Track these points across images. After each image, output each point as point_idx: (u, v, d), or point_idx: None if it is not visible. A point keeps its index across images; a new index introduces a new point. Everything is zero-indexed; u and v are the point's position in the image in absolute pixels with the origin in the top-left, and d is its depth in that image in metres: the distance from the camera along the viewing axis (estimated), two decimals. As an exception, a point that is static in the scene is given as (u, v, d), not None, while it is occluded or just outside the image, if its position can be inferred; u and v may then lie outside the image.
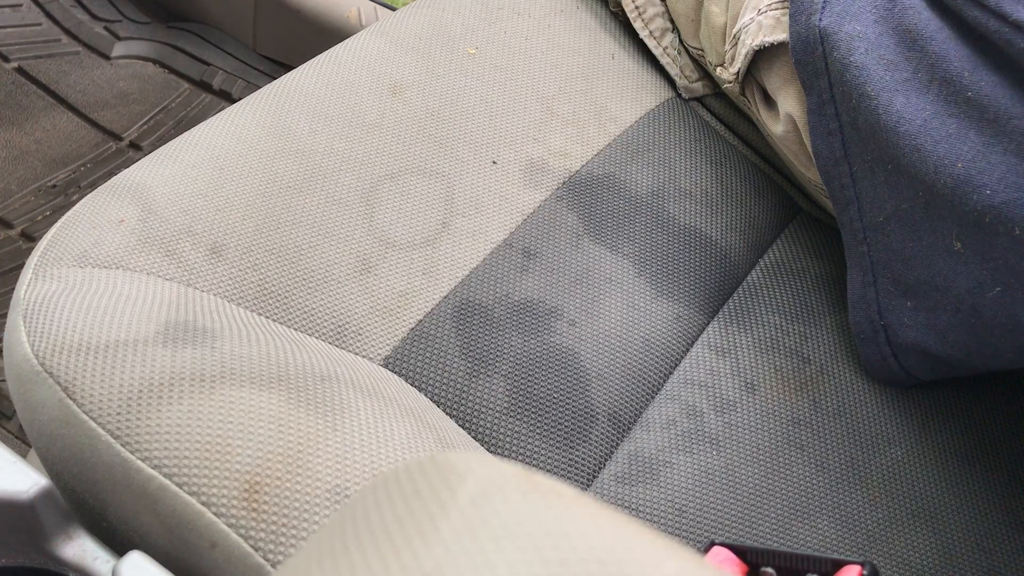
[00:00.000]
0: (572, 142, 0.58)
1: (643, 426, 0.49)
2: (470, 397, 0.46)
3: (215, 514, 0.35)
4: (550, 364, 0.48)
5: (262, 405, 0.37)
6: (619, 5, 0.65)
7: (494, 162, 0.55)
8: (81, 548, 0.35)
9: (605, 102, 0.61)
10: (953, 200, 0.42)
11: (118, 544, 0.36)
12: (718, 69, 0.60)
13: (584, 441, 0.47)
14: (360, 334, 0.46)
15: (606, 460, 0.48)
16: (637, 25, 0.64)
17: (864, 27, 0.46)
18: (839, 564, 0.32)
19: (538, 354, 0.48)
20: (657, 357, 0.51)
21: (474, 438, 0.45)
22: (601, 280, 0.52)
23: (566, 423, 0.47)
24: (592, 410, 0.48)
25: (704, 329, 0.53)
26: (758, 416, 0.50)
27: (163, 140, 1.19)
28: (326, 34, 1.15)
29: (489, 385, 0.47)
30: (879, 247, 0.49)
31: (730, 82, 0.59)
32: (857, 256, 0.51)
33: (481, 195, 0.53)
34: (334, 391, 0.40)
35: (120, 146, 1.19)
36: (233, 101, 1.25)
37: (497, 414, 0.46)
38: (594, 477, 0.47)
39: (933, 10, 0.43)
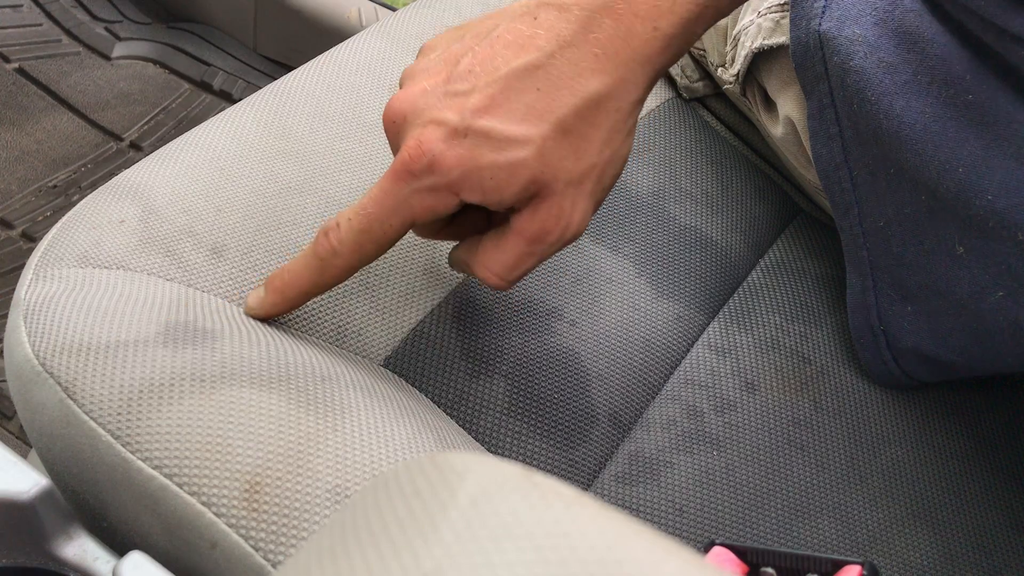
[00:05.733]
0: (572, 142, 0.58)
1: (643, 426, 0.49)
2: (470, 397, 0.46)
3: (215, 514, 0.35)
4: (550, 364, 0.48)
5: (263, 405, 0.37)
6: (619, 5, 0.65)
7: (494, 162, 0.55)
8: (81, 548, 0.35)
9: (605, 102, 0.61)
10: (956, 204, 0.42)
11: (118, 544, 0.36)
12: (719, 70, 0.60)
13: (584, 441, 0.47)
14: (360, 334, 0.46)
15: (606, 460, 0.48)
16: (638, 25, 0.64)
17: (864, 30, 0.46)
18: (839, 564, 0.32)
19: (538, 354, 0.48)
20: (657, 357, 0.51)
21: (474, 438, 0.45)
22: (601, 280, 0.52)
23: (566, 423, 0.47)
24: (592, 410, 0.48)
25: (704, 329, 0.53)
26: (758, 416, 0.50)
27: (163, 140, 1.19)
28: (326, 34, 1.15)
29: (489, 385, 0.47)
30: (879, 252, 0.49)
31: (730, 83, 0.59)
32: (856, 261, 0.51)
33: (481, 195, 0.53)
34: (334, 391, 0.40)
35: (120, 147, 1.19)
36: (233, 101, 1.25)
37: (497, 414, 0.46)
38: (594, 477, 0.47)
39: (934, 15, 0.43)
